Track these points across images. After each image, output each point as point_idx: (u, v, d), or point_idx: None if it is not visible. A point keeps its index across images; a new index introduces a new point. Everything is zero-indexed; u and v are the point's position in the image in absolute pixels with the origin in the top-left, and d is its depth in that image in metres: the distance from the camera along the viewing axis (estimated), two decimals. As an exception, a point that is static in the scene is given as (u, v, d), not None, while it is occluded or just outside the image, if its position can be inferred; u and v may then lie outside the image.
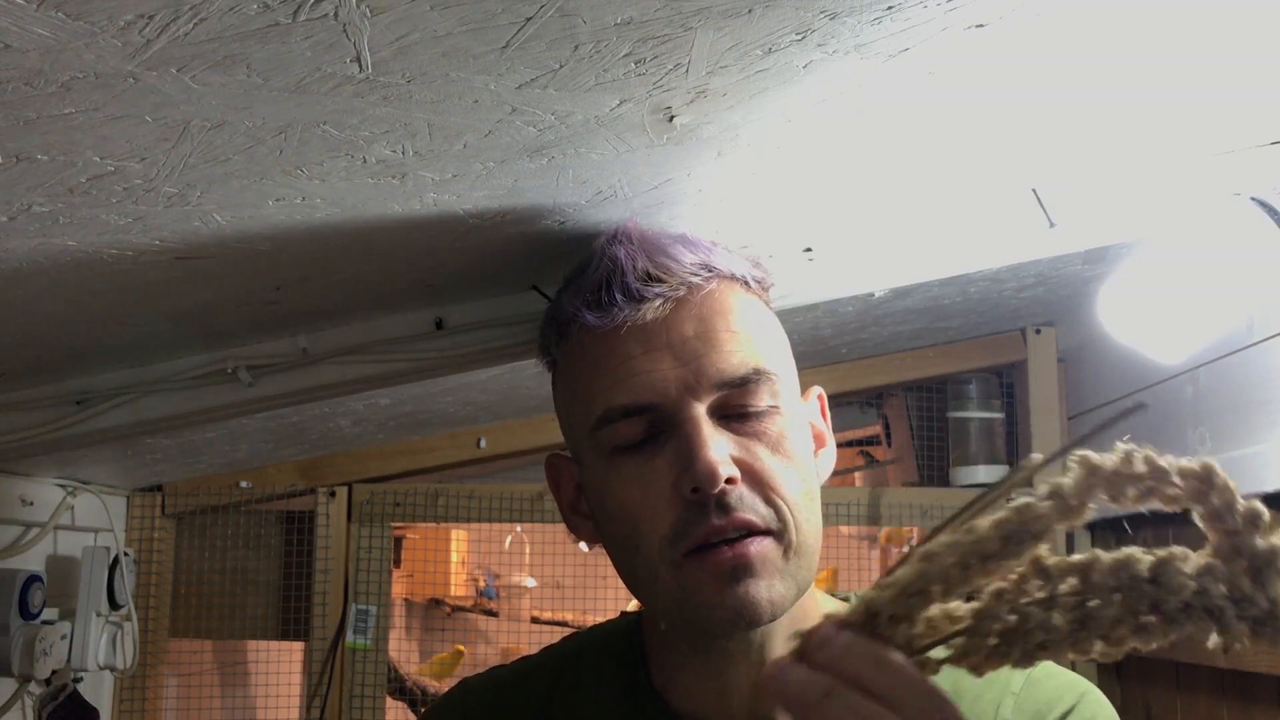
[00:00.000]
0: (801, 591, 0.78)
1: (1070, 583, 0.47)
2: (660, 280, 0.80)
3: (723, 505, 0.75)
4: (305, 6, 0.58)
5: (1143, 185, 1.23)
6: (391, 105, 0.71)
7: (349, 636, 2.22)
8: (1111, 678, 2.09)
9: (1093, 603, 0.46)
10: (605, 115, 0.78)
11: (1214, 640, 0.45)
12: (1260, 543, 0.44)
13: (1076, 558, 0.47)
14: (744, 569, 0.75)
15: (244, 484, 2.28)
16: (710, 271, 0.82)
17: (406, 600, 3.87)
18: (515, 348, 1.19)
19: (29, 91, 0.63)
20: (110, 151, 0.72)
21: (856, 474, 2.89)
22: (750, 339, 0.80)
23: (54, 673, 1.88)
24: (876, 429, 2.58)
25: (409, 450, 2.30)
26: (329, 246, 0.98)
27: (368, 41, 0.62)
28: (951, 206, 1.24)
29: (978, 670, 0.49)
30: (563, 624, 3.42)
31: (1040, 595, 0.47)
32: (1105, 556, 0.47)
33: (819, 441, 0.87)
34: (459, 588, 3.83)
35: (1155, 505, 0.46)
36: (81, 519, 2.04)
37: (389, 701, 2.45)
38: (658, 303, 0.80)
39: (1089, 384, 2.17)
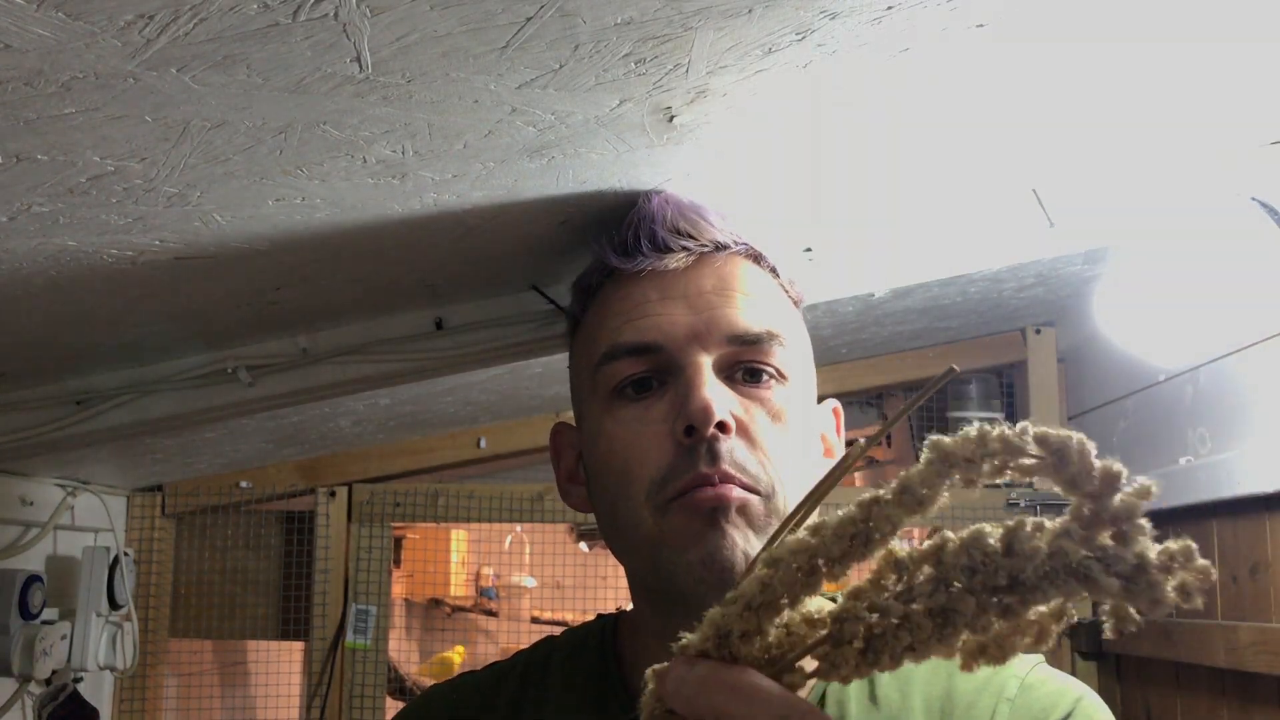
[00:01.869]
0: None
1: (926, 571, 0.45)
2: (689, 235, 0.81)
3: (713, 452, 0.74)
4: (305, 6, 0.58)
5: (1143, 185, 1.23)
6: (391, 105, 0.71)
7: (349, 636, 2.22)
8: (1112, 677, 2.09)
9: (951, 587, 0.44)
10: (605, 115, 0.78)
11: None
12: (1119, 501, 0.43)
13: (928, 544, 0.45)
14: (723, 511, 0.73)
15: (244, 484, 2.28)
16: (741, 242, 0.83)
17: (406, 600, 3.87)
18: (515, 348, 1.19)
19: (29, 91, 0.63)
20: (110, 151, 0.72)
21: (857, 474, 2.89)
22: (768, 306, 0.80)
23: (54, 673, 1.88)
24: (877, 429, 2.58)
25: (409, 450, 2.30)
26: (329, 246, 0.98)
27: (368, 41, 0.62)
28: (951, 206, 1.24)
29: (846, 680, 0.46)
30: (562, 624, 3.42)
31: (898, 590, 0.45)
32: (954, 536, 0.45)
33: (828, 454, 0.86)
34: (459, 588, 3.83)
35: (1009, 478, 0.46)
36: (81, 519, 2.04)
37: (389, 701, 2.45)
38: (681, 255, 0.80)
39: (1089, 384, 2.17)
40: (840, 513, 0.46)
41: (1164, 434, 1.84)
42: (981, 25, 0.72)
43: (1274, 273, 1.52)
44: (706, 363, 0.77)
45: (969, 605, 0.43)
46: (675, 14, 0.65)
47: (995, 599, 0.43)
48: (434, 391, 1.78)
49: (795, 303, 0.87)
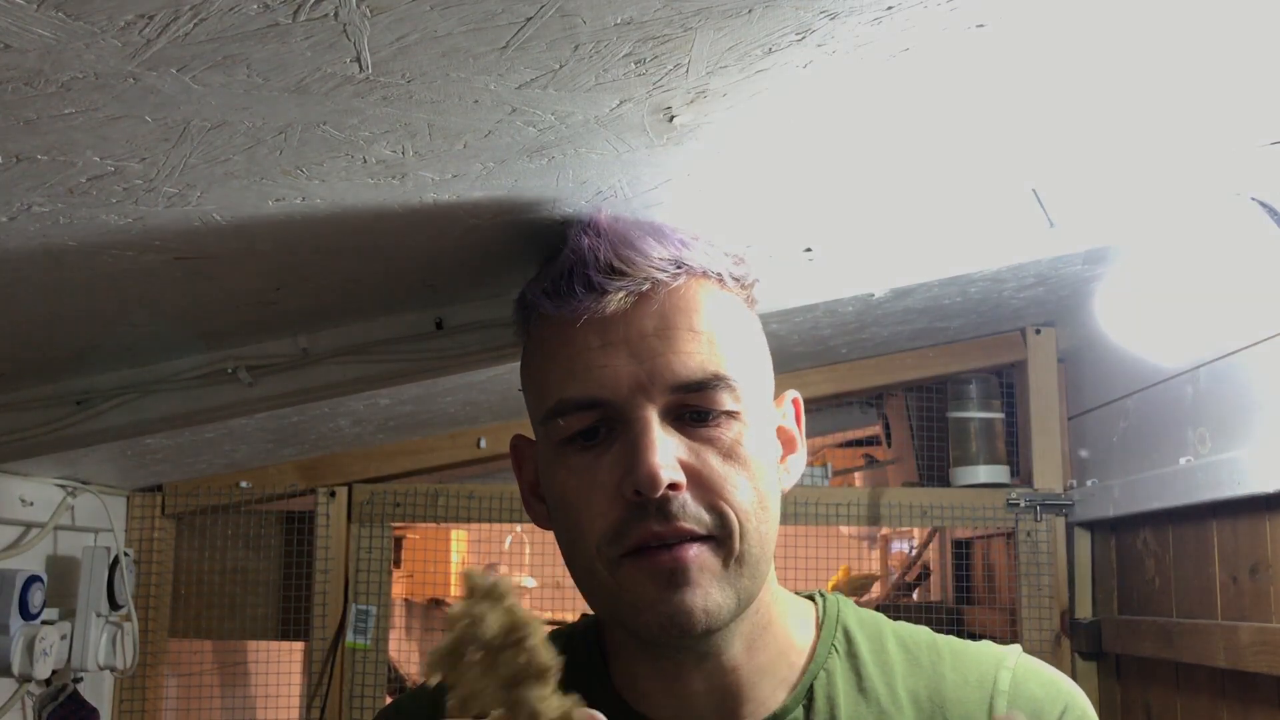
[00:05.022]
0: (745, 601, 0.77)
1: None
2: (623, 274, 0.78)
3: (663, 511, 0.74)
4: (305, 6, 0.58)
5: (1143, 185, 1.23)
6: (391, 105, 0.71)
7: (349, 636, 2.22)
8: (1112, 678, 2.09)
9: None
10: (605, 115, 0.78)
11: None
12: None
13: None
14: (680, 574, 0.74)
15: (244, 484, 2.28)
16: (679, 267, 0.79)
17: (406, 600, 3.86)
18: (515, 348, 1.19)
19: (29, 91, 0.63)
20: (110, 151, 0.72)
21: (857, 474, 2.89)
22: (713, 341, 0.78)
23: (54, 673, 1.88)
24: (876, 429, 2.58)
25: (409, 450, 2.30)
26: (329, 247, 0.98)
27: (368, 41, 0.63)
28: (951, 206, 1.24)
29: None
30: (562, 624, 3.41)
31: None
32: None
33: (789, 447, 0.85)
34: (459, 588, 3.83)
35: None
36: (81, 519, 2.04)
37: (389, 702, 2.44)
38: (619, 296, 0.77)
39: (1089, 384, 2.17)
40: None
41: (1164, 434, 1.84)
42: (981, 25, 0.72)
43: (1274, 273, 1.52)
44: (653, 417, 0.75)
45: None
46: (675, 14, 0.65)
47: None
48: (434, 391, 1.78)
49: (748, 298, 0.85)
